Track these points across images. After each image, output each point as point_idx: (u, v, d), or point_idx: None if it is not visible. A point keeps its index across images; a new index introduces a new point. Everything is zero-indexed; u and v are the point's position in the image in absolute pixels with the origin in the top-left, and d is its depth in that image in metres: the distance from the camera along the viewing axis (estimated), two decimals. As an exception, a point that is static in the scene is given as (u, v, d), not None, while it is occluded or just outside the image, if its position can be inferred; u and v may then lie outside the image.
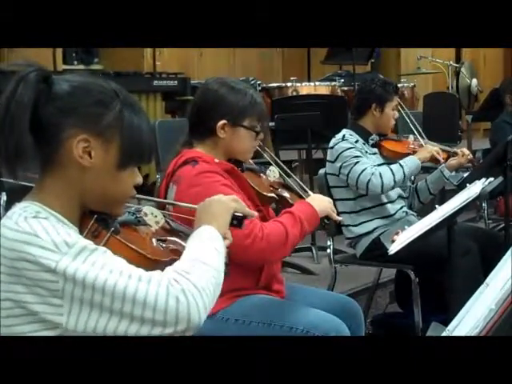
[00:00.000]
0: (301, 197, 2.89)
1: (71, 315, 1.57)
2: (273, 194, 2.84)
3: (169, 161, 2.82)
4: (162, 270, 1.76)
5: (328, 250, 4.24)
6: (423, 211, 3.83)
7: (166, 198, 2.70)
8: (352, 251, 4.26)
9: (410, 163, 4.01)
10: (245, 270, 2.64)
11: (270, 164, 2.94)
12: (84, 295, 1.56)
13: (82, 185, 1.69)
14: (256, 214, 2.14)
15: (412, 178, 4.28)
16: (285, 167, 2.98)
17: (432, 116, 7.21)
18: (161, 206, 2.27)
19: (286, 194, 2.88)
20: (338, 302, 2.92)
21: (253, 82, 7.10)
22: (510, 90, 6.16)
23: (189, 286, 1.62)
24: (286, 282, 2.97)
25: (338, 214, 2.88)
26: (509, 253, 1.80)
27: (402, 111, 4.35)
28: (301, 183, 3.01)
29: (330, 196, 3.73)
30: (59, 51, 7.59)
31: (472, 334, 1.69)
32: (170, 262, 1.78)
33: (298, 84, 7.39)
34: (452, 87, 8.90)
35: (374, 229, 4.04)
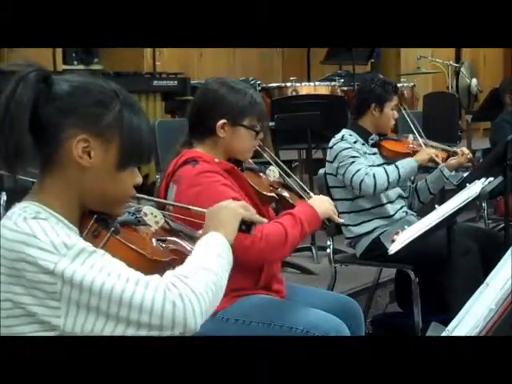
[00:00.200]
0: (301, 196, 2.89)
1: (68, 318, 1.57)
2: (273, 194, 2.84)
3: (168, 161, 2.82)
4: (162, 269, 1.77)
5: (328, 250, 4.24)
6: (423, 211, 3.82)
7: (166, 198, 2.70)
8: (352, 251, 4.25)
9: (407, 165, 4.01)
10: (245, 270, 2.64)
11: (270, 164, 2.94)
12: (81, 298, 1.56)
13: (82, 185, 1.69)
14: (265, 220, 2.14)
15: (412, 177, 4.28)
16: (285, 167, 2.98)
17: (432, 116, 7.21)
18: (160, 206, 2.27)
19: (286, 194, 2.88)
20: (338, 302, 2.92)
21: (252, 82, 7.10)
22: (509, 90, 6.16)
23: (186, 291, 1.62)
24: (286, 281, 2.97)
25: (338, 214, 2.88)
26: (509, 253, 1.80)
27: (404, 111, 4.35)
28: (301, 183, 3.01)
29: (330, 196, 3.73)
30: (59, 51, 7.59)
31: (472, 334, 1.69)
32: (170, 262, 1.78)
33: (298, 84, 7.38)
34: (452, 87, 8.90)
35: (374, 229, 4.04)
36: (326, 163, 4.16)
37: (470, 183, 3.25)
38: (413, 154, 4.14)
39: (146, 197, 2.02)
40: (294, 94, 7.20)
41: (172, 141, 2.96)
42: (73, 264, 1.56)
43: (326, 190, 4.12)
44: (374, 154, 4.14)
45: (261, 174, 2.91)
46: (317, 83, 7.64)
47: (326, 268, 4.57)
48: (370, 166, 4.02)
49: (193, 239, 2.00)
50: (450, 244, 3.36)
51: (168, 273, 1.68)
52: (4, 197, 4.55)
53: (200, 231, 2.08)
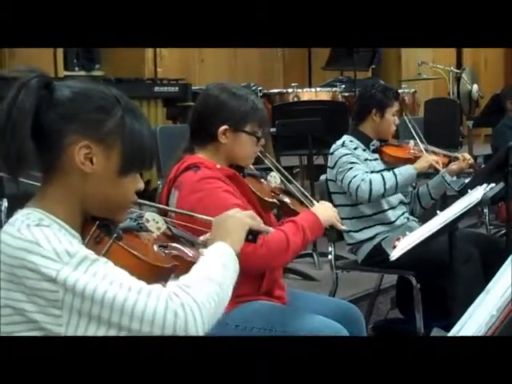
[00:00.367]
0: (302, 202, 2.89)
1: (70, 326, 1.57)
2: (274, 200, 2.84)
3: (170, 167, 2.82)
4: (164, 276, 1.77)
5: (329, 256, 4.24)
6: (424, 217, 3.82)
7: (167, 204, 2.70)
8: (353, 257, 4.25)
9: (405, 172, 4.00)
10: (246, 275, 2.61)
11: (271, 170, 2.94)
12: (83, 307, 1.56)
13: (84, 191, 1.69)
14: (272, 229, 2.14)
15: (413, 183, 4.28)
16: (286, 173, 2.98)
17: (433, 122, 7.22)
18: (162, 212, 2.27)
19: (287, 200, 2.88)
20: (340, 308, 2.92)
21: (254, 87, 7.10)
22: (511, 96, 6.16)
23: (188, 300, 1.62)
24: (288, 288, 2.97)
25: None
26: (509, 260, 1.80)
27: (406, 118, 4.35)
28: (302, 189, 3.01)
29: (331, 202, 3.73)
30: (60, 57, 7.59)
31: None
32: (172, 269, 1.78)
33: (299, 90, 7.38)
34: (453, 93, 8.90)
35: (376, 235, 4.04)
36: (327, 169, 4.16)
37: (471, 189, 3.25)
38: (414, 159, 4.14)
39: (149, 203, 2.02)
40: (295, 99, 7.20)
41: (173, 147, 2.96)
42: (75, 272, 1.56)
43: (327, 196, 4.12)
44: (376, 159, 4.14)
45: (262, 180, 2.91)
46: (318, 89, 7.64)
47: (327, 274, 4.56)
48: (371, 171, 4.02)
49: (194, 245, 2.00)
50: (451, 250, 3.36)
51: (171, 282, 1.68)
52: (5, 203, 4.55)
53: (201, 237, 2.08)
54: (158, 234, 1.88)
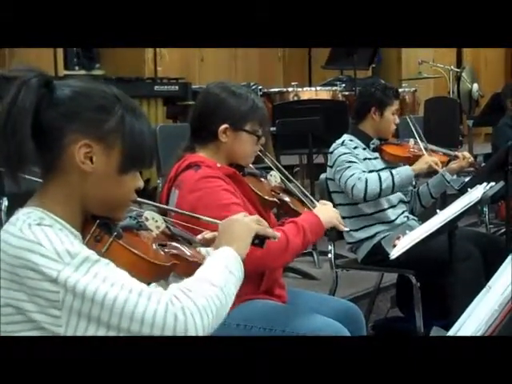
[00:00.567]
0: (302, 201, 2.89)
1: (69, 327, 1.57)
2: (274, 199, 2.84)
3: (170, 166, 2.82)
4: (164, 274, 1.77)
5: (329, 255, 4.24)
6: (424, 216, 3.82)
7: (168, 203, 2.70)
8: (353, 256, 4.26)
9: (402, 173, 4.00)
10: (246, 275, 2.63)
11: (271, 169, 2.94)
12: (83, 308, 1.56)
13: (84, 190, 1.69)
14: (279, 235, 2.14)
15: (413, 182, 4.28)
16: (286, 172, 2.98)
17: (433, 121, 7.22)
18: (163, 212, 2.27)
19: (287, 199, 2.87)
20: (340, 307, 2.92)
21: (254, 86, 7.10)
22: (511, 95, 6.16)
23: (188, 304, 1.62)
24: (288, 286, 2.96)
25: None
26: (509, 259, 1.80)
27: (408, 118, 4.35)
28: (302, 188, 3.01)
29: (331, 201, 3.73)
30: (60, 56, 7.59)
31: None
32: (172, 267, 1.78)
33: (299, 89, 7.38)
34: (453, 92, 8.90)
35: (375, 234, 4.05)
36: (327, 168, 4.16)
37: (471, 188, 3.25)
38: (414, 158, 4.14)
39: (150, 202, 2.02)
40: (295, 98, 7.20)
41: (173, 145, 2.96)
42: (76, 273, 1.56)
43: (327, 195, 4.12)
44: (376, 158, 4.14)
45: (262, 179, 2.90)
46: (318, 88, 7.64)
47: (327, 273, 4.56)
48: (371, 170, 4.02)
49: (192, 244, 2.01)
50: (451, 249, 3.36)
51: (173, 285, 1.68)
52: (5, 202, 4.55)
53: (199, 236, 2.08)
54: (157, 232, 1.88)
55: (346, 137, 4.13)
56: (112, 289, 1.57)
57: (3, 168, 1.66)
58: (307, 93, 7.39)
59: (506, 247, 3.82)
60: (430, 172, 4.23)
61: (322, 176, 4.24)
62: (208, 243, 2.08)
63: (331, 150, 4.11)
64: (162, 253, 1.81)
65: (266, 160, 2.92)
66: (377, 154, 4.16)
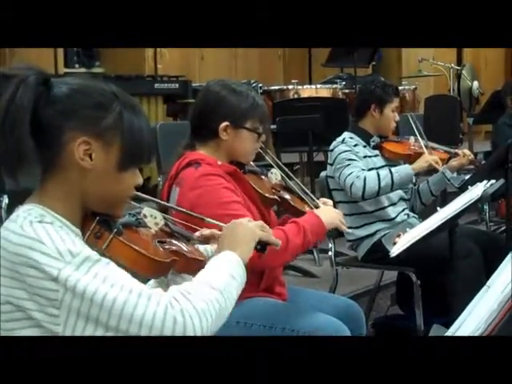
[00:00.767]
0: (302, 199, 2.89)
1: (67, 326, 1.57)
2: (275, 196, 2.84)
3: (170, 163, 2.82)
4: (164, 270, 1.78)
5: (329, 253, 4.25)
6: (425, 213, 3.82)
7: (168, 201, 2.70)
8: (353, 253, 4.25)
9: (402, 172, 4.00)
10: (246, 272, 2.63)
11: (272, 166, 2.94)
12: (81, 307, 1.56)
13: (84, 187, 1.69)
14: (280, 243, 2.14)
15: (414, 180, 4.27)
16: (286, 169, 2.98)
17: (433, 119, 7.22)
18: (163, 209, 2.27)
19: (288, 196, 2.87)
20: (340, 305, 2.92)
21: (254, 84, 7.10)
22: (511, 93, 6.15)
23: (187, 307, 1.62)
24: (288, 284, 2.96)
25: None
26: (509, 256, 1.80)
27: (409, 116, 4.34)
28: (302, 185, 3.01)
29: (331, 199, 3.73)
30: (60, 54, 7.59)
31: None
32: (171, 263, 1.78)
33: (300, 87, 7.38)
34: (453, 90, 8.90)
35: (376, 231, 4.05)
36: (327, 166, 4.16)
37: (471, 185, 3.25)
38: (414, 155, 4.14)
39: (154, 199, 2.02)
40: (295, 96, 7.20)
41: (173, 143, 2.96)
42: (77, 272, 1.56)
43: (327, 193, 4.12)
44: (376, 156, 4.14)
45: (263, 177, 2.90)
46: (318, 86, 7.64)
47: (327, 270, 4.56)
48: (371, 168, 4.02)
49: (191, 242, 2.01)
50: (451, 246, 3.36)
51: (173, 287, 1.68)
52: (6, 199, 4.55)
53: (197, 233, 2.09)
54: (156, 229, 1.88)
55: (346, 134, 4.12)
56: (112, 289, 1.57)
57: (2, 166, 1.66)
58: (307, 91, 7.39)
59: (506, 245, 3.82)
60: (431, 170, 4.22)
61: (323, 174, 4.24)
62: (206, 241, 2.08)
63: (331, 147, 4.11)
64: (162, 249, 1.81)
65: (267, 157, 2.92)
66: (377, 152, 4.16)
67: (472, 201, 3.07)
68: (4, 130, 1.61)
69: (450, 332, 1.78)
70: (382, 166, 4.07)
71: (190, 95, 6.98)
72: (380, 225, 4.05)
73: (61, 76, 5.83)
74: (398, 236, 3.04)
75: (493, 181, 3.33)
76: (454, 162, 4.13)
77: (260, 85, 7.27)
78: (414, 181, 4.29)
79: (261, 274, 2.74)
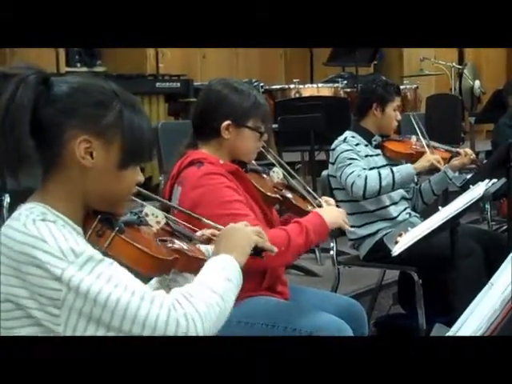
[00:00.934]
0: (304, 198, 2.89)
1: (68, 326, 1.57)
2: (276, 195, 2.84)
3: (172, 163, 2.82)
4: (165, 269, 1.78)
5: (331, 252, 4.25)
6: (426, 213, 3.82)
7: (170, 200, 2.70)
8: (355, 253, 4.25)
9: (403, 171, 3.99)
10: (248, 271, 2.63)
11: (274, 165, 2.94)
12: (84, 307, 1.56)
13: (85, 185, 1.69)
14: (276, 249, 2.14)
15: (415, 179, 4.27)
16: (288, 168, 2.98)
17: (435, 118, 7.22)
18: (165, 208, 2.28)
19: (290, 195, 2.87)
20: (342, 304, 2.92)
21: (256, 83, 7.10)
22: (513, 91, 6.15)
23: (190, 310, 1.63)
24: (290, 283, 2.96)
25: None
26: (510, 256, 1.80)
27: (411, 116, 4.34)
28: (304, 184, 3.01)
29: (333, 198, 3.73)
30: (62, 54, 7.60)
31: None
32: (173, 262, 1.79)
33: (301, 86, 7.38)
34: (455, 89, 8.90)
35: (378, 230, 4.04)
36: (329, 165, 4.16)
37: (473, 185, 3.25)
38: (416, 154, 4.14)
39: (157, 197, 2.03)
40: (296, 95, 7.20)
41: (175, 142, 2.95)
42: (80, 272, 1.56)
43: (328, 192, 4.12)
44: (378, 155, 4.14)
45: (265, 176, 2.91)
46: (320, 85, 7.64)
47: (329, 270, 4.56)
48: (373, 167, 4.02)
49: (192, 241, 2.01)
50: (453, 246, 3.36)
51: (175, 289, 1.69)
52: (7, 199, 4.55)
53: (198, 233, 2.09)
54: (158, 228, 1.89)
55: (348, 133, 4.12)
56: (115, 290, 1.57)
57: (3, 165, 1.66)
58: (309, 90, 7.39)
59: (507, 244, 3.82)
60: (432, 169, 4.22)
61: (324, 173, 4.24)
62: (207, 240, 2.09)
63: (333, 146, 4.11)
64: (164, 247, 1.81)
65: (269, 156, 2.92)
66: (379, 151, 4.15)
67: (474, 200, 3.07)
68: (4, 130, 1.61)
69: (452, 331, 1.78)
70: (384, 166, 4.07)
71: (191, 94, 6.98)
72: (382, 224, 4.05)
73: (62, 75, 5.83)
74: (400, 235, 3.03)
75: (494, 180, 3.33)
76: (455, 162, 4.13)
77: (261, 84, 7.27)
78: (415, 180, 4.29)
79: (263, 273, 2.74)
